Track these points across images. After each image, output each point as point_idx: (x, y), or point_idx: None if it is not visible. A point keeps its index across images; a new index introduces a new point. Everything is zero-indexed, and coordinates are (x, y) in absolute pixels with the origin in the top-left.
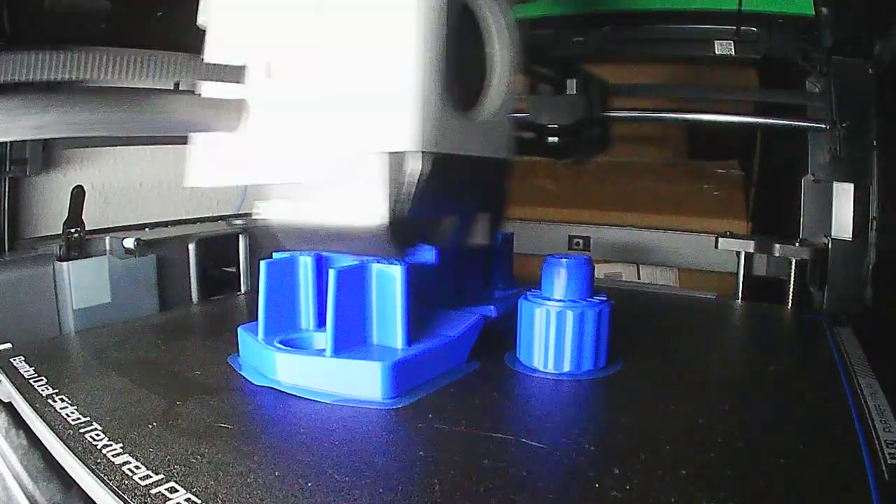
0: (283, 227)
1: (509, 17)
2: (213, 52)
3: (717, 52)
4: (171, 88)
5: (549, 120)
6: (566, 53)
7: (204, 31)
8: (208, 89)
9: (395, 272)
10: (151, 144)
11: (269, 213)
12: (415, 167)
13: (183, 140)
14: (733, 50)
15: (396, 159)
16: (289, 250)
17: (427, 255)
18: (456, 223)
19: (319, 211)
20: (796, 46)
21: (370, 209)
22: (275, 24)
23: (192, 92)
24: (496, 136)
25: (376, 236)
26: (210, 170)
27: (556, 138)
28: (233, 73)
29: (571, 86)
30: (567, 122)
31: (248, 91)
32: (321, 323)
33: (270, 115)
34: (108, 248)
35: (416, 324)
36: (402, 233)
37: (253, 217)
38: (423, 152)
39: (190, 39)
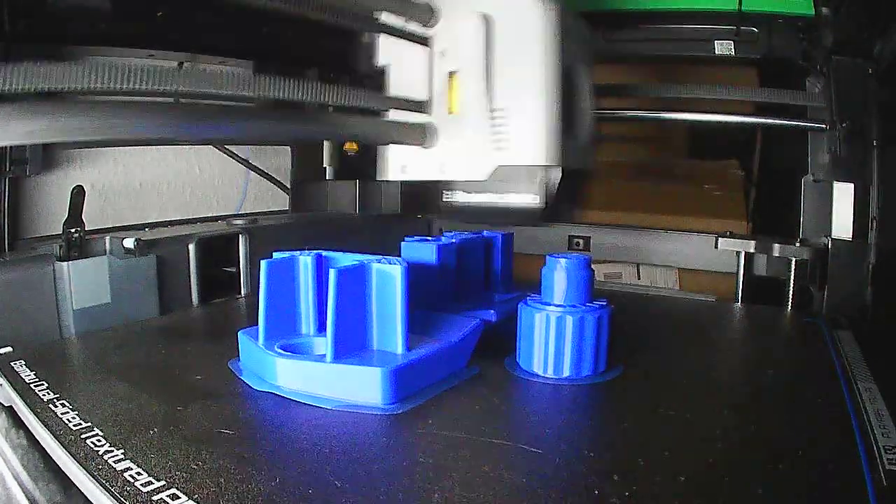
0: (469, 207)
1: (591, 67)
2: (396, 88)
3: (717, 52)
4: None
5: None
6: None
7: (383, 71)
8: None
9: (395, 272)
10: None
11: (458, 198)
12: (556, 175)
13: (183, 140)
14: (733, 50)
15: (544, 169)
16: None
17: (427, 255)
18: (563, 206)
19: (500, 198)
20: (796, 46)
21: (531, 198)
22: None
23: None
24: (582, 153)
25: (532, 213)
26: (405, 168)
27: None
28: (415, 105)
29: None
30: None
31: (432, 118)
32: (321, 327)
33: (453, 135)
34: (108, 248)
35: (417, 328)
36: (547, 212)
37: (443, 201)
38: (560, 166)
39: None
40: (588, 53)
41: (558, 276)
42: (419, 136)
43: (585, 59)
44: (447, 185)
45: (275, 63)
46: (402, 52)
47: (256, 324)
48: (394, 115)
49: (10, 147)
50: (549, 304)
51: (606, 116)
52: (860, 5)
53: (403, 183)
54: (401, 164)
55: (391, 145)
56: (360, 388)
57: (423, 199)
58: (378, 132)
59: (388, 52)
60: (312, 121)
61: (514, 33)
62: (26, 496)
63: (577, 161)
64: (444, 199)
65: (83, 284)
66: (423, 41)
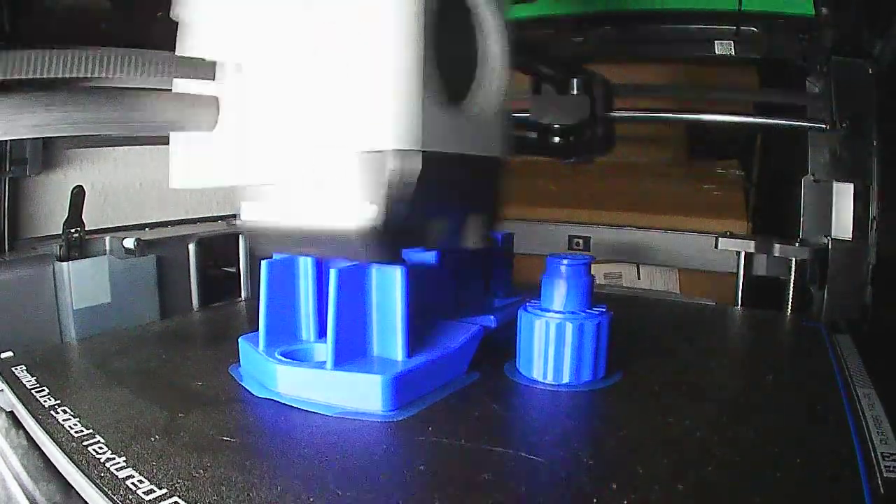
0: (262, 230)
1: (503, 13)
2: (186, 47)
3: (717, 52)
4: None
5: (553, 120)
6: (569, 53)
7: (177, 24)
8: (180, 86)
9: (396, 273)
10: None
11: (250, 215)
12: (408, 166)
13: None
14: (733, 50)
15: (387, 158)
16: (266, 255)
17: (427, 255)
18: (447, 225)
19: (303, 213)
20: (796, 46)
21: (358, 212)
22: (251, 16)
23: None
24: (489, 133)
25: (364, 240)
26: (190, 171)
27: (560, 138)
28: (205, 70)
29: (575, 85)
30: (570, 122)
31: (222, 88)
32: (322, 333)
33: (248, 113)
34: (108, 248)
35: (417, 335)
36: (391, 236)
37: (235, 220)
38: (418, 151)
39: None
40: None
41: (558, 283)
42: (205, 114)
43: None
44: (245, 195)
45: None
46: None
47: (257, 329)
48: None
49: (10, 146)
50: (549, 311)
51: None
52: (860, 5)
53: None
54: (186, 165)
55: (175, 137)
56: (361, 395)
57: None
58: (140, 111)
59: None
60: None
61: None
62: (26, 496)
63: (475, 143)
64: (240, 218)
65: (83, 284)
66: None
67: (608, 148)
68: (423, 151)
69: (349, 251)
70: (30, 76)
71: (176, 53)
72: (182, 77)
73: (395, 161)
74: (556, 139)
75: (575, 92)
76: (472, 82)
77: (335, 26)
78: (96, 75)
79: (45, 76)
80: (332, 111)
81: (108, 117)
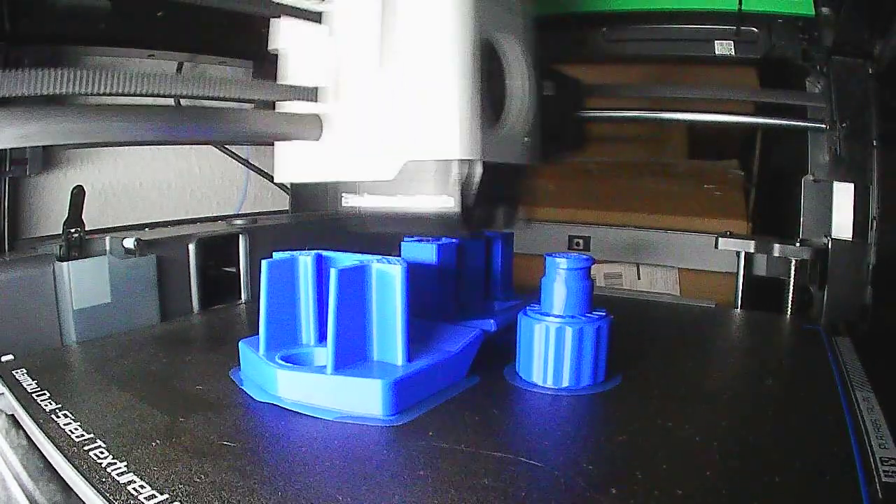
0: (368, 213)
1: (529, 54)
2: (289, 77)
3: (717, 52)
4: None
5: None
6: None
7: (276, 56)
8: (286, 107)
9: (395, 272)
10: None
11: (353, 202)
12: (473, 171)
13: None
14: (733, 50)
15: (458, 165)
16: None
17: (427, 255)
18: (496, 212)
19: (399, 201)
20: (796, 46)
21: (442, 201)
22: (349, 50)
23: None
24: (518, 146)
25: (445, 219)
26: (296, 169)
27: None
28: (308, 93)
29: (548, 87)
30: (542, 122)
31: (325, 108)
32: (322, 336)
33: (349, 127)
34: (108, 248)
35: (416, 339)
36: (462, 218)
37: (342, 207)
38: (479, 160)
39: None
40: (520, 23)
41: (558, 287)
42: (312, 129)
43: (515, 29)
44: (347, 187)
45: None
46: (296, 33)
47: (257, 333)
48: (290, 108)
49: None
50: (549, 315)
51: (607, 117)
52: (860, 5)
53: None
54: (295, 163)
55: (282, 143)
56: (361, 399)
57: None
58: (264, 127)
59: (282, 33)
60: (179, 118)
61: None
62: (26, 496)
63: (508, 155)
64: (344, 204)
65: (83, 284)
66: (315, 17)
67: (579, 148)
68: (486, 161)
69: (429, 228)
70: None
71: (278, 81)
72: (294, 100)
73: (464, 167)
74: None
75: (548, 93)
76: (503, 110)
77: (413, 66)
78: (230, 97)
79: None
80: (417, 129)
81: (234, 132)
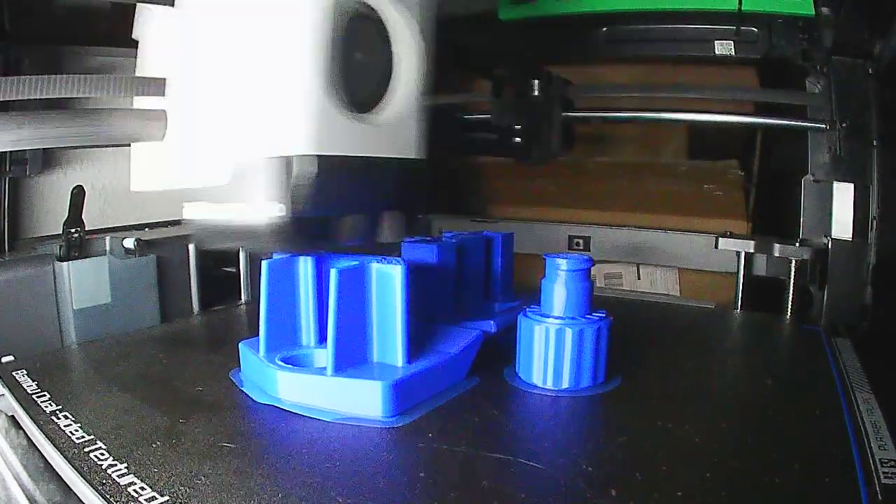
0: (199, 227)
1: (419, 23)
2: (143, 66)
3: (717, 52)
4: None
5: (511, 121)
6: (526, 54)
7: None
8: (139, 103)
9: (395, 272)
10: None
11: (187, 213)
12: (303, 169)
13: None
14: (733, 50)
15: (288, 162)
16: (205, 248)
17: (427, 255)
18: (360, 221)
19: (225, 211)
20: (796, 46)
21: (270, 209)
22: (187, 34)
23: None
24: (402, 136)
25: (272, 233)
26: (146, 176)
27: (519, 139)
28: (156, 87)
29: (534, 87)
30: (528, 122)
31: (169, 102)
32: (322, 337)
33: (184, 123)
34: (108, 248)
35: (416, 340)
36: (302, 229)
37: (181, 219)
38: (313, 155)
39: None
40: None
41: (557, 288)
42: (155, 127)
43: None
44: (186, 196)
45: None
46: (152, 18)
47: (257, 334)
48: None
49: None
50: (549, 316)
51: (607, 117)
52: (860, 5)
53: None
54: (146, 168)
55: (135, 146)
56: (361, 401)
57: None
58: (102, 127)
59: (139, 19)
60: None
61: None
62: (26, 496)
63: (379, 147)
64: (184, 216)
65: (83, 284)
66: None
67: (568, 148)
68: (320, 155)
69: (262, 243)
70: (11, 98)
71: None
72: (137, 94)
73: (293, 165)
74: (516, 139)
75: (535, 93)
76: (383, 89)
77: (246, 42)
78: (69, 96)
79: (26, 97)
80: (244, 120)
81: (75, 133)
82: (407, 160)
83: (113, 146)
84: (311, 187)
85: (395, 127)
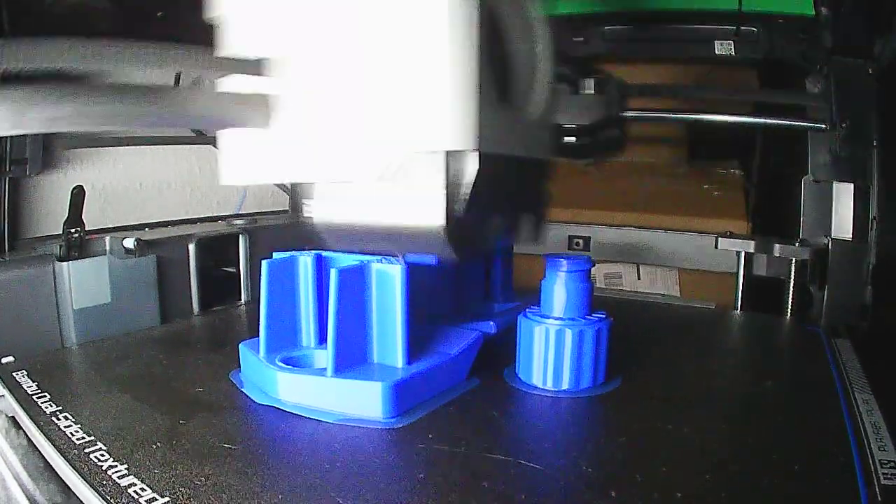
0: (330, 227)
1: (544, 15)
2: (230, 47)
3: (717, 52)
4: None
5: (567, 120)
6: (582, 52)
7: (212, 26)
8: (230, 85)
9: (395, 271)
10: (152, 144)
11: (317, 211)
12: (471, 167)
13: (184, 140)
14: (733, 50)
15: (453, 159)
16: (333, 250)
17: (427, 256)
18: (504, 224)
19: (371, 211)
20: (796, 46)
21: (427, 211)
22: (299, 11)
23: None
24: (537, 135)
25: (432, 237)
26: (243, 167)
27: (574, 139)
28: (252, 67)
29: (589, 85)
30: (585, 122)
31: (277, 86)
32: (322, 338)
33: (305, 111)
34: (108, 248)
35: (416, 341)
36: (457, 234)
37: (301, 215)
38: (478, 152)
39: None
40: None
41: (557, 289)
42: (258, 113)
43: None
44: (306, 192)
45: None
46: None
47: (257, 335)
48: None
49: (10, 146)
50: (549, 317)
51: (660, 118)
52: (860, 5)
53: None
54: (243, 158)
55: (225, 135)
56: (361, 402)
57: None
58: (190, 108)
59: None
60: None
61: None
62: (26, 496)
63: (519, 146)
64: (305, 215)
65: (83, 284)
66: None
67: (621, 149)
68: (486, 154)
69: (423, 247)
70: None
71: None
72: (229, 72)
73: (460, 162)
74: (569, 139)
75: (588, 91)
76: (524, 85)
77: (392, 26)
78: (138, 68)
79: (86, 68)
80: (392, 111)
81: (162, 113)
82: (542, 161)
83: (171, 138)
84: (476, 186)
85: (531, 126)
